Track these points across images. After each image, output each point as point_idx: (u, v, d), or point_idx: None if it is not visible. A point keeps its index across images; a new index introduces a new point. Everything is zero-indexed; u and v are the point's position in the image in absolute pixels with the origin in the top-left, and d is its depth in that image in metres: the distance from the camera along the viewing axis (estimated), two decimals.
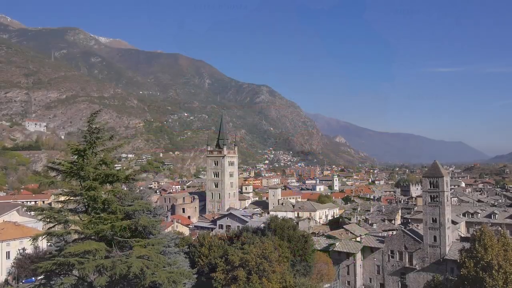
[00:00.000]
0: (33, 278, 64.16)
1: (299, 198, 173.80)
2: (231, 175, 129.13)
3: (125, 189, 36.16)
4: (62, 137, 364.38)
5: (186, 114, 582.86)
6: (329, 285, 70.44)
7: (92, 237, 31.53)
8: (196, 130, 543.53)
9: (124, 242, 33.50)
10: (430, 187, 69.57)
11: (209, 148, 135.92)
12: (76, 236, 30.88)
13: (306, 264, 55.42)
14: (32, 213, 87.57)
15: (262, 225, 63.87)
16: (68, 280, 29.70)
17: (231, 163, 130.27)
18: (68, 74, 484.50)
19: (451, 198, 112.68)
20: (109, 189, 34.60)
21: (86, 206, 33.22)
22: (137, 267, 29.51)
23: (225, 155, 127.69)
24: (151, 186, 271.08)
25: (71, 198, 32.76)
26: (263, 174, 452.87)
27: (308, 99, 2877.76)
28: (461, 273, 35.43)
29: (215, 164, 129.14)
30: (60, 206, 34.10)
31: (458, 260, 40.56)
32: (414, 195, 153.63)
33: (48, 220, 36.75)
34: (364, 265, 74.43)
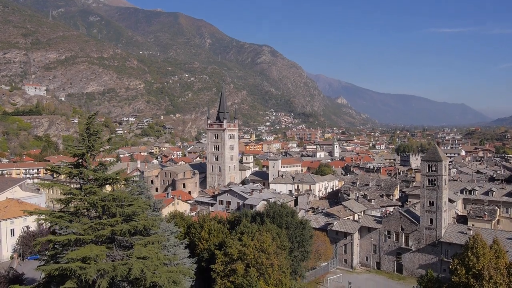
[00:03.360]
0: (38, 255, 66.02)
1: (299, 166, 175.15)
2: (231, 148, 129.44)
3: (124, 190, 36.30)
4: (63, 99, 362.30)
5: (186, 75, 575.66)
6: (326, 263, 72.57)
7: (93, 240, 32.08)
8: (197, 92, 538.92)
9: (125, 240, 34.14)
10: (429, 170, 69.78)
11: (209, 121, 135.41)
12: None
13: (304, 250, 56.74)
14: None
15: (261, 210, 64.72)
16: (70, 284, 30.27)
17: (231, 136, 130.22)
18: (66, 34, 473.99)
19: (450, 169, 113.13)
20: (108, 190, 34.88)
21: (87, 210, 33.62)
22: (137, 269, 30.17)
23: (225, 129, 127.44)
24: (152, 151, 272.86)
25: (70, 196, 33.06)
26: (264, 138, 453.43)
27: (309, 59, 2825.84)
28: (453, 279, 36.42)
29: (215, 138, 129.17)
30: (61, 206, 34.44)
31: (450, 267, 41.46)
32: (413, 166, 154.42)
33: (50, 224, 37.36)
34: (361, 244, 76.17)
